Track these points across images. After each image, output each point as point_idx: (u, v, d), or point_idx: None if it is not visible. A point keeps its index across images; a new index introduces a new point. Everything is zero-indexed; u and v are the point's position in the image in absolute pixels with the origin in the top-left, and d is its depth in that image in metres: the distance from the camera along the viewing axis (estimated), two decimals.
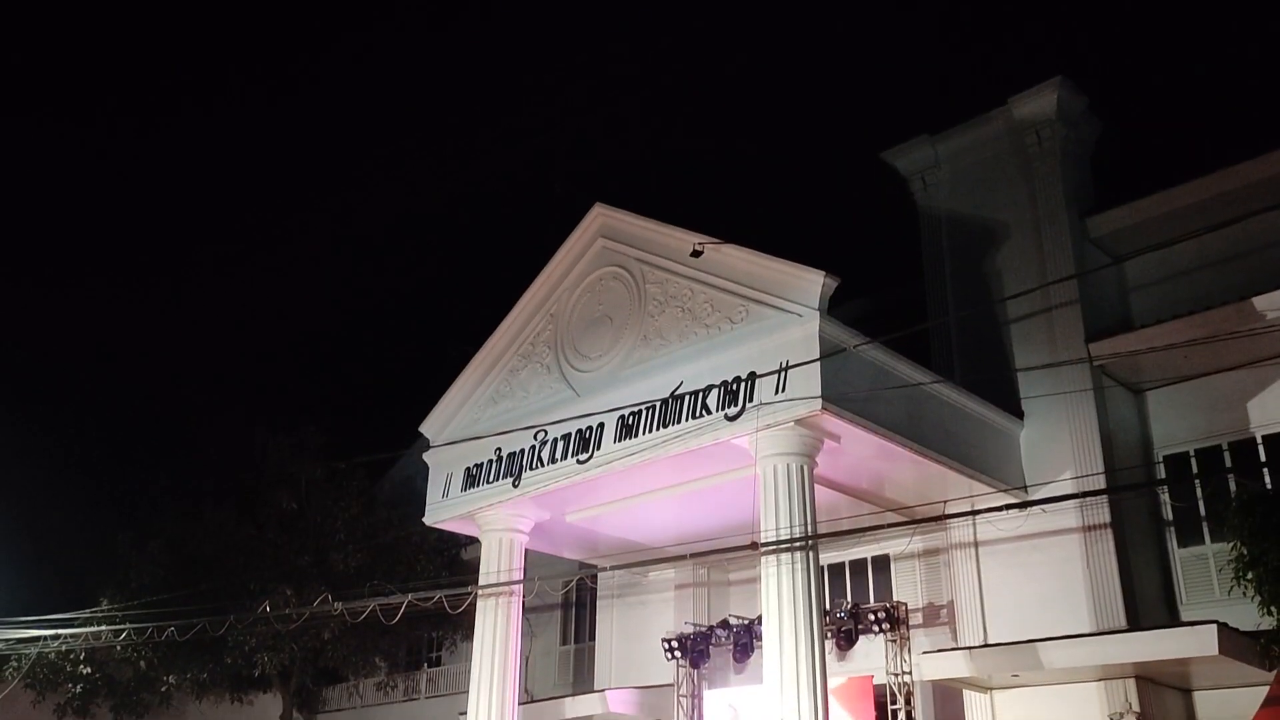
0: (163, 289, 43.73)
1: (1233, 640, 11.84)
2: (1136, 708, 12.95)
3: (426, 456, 17.04)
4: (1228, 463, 14.45)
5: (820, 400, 12.00)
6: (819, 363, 12.09)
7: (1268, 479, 13.66)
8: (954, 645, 14.46)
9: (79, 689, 21.50)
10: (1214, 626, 11.71)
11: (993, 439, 14.62)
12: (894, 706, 14.48)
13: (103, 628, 18.47)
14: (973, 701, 14.43)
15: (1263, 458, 14.11)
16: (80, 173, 43.40)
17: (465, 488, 16.06)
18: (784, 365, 12.35)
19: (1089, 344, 14.77)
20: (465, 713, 16.05)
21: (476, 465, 15.91)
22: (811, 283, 12.52)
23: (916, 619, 15.35)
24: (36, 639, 18.47)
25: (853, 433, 12.62)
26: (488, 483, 15.71)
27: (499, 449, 15.59)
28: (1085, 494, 12.57)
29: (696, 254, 13.53)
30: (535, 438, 15.00)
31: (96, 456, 25.76)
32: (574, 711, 18.21)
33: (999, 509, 13.02)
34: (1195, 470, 14.80)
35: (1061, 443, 14.64)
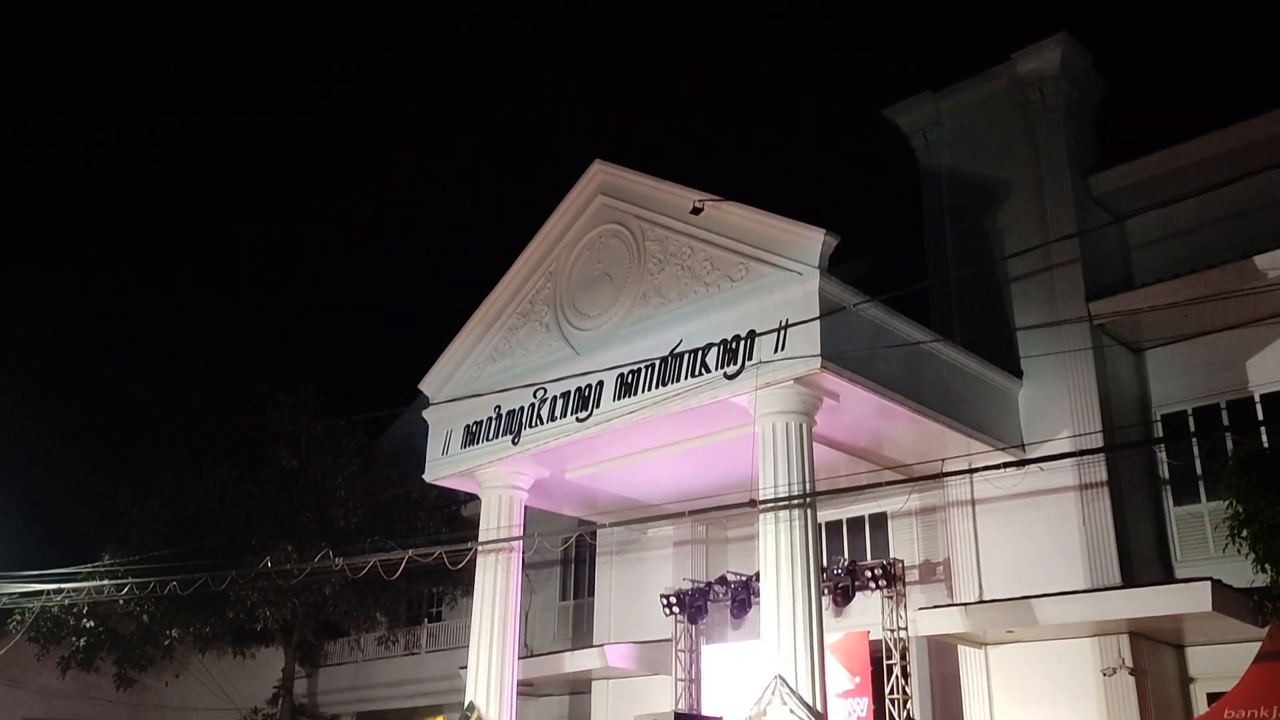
0: (165, 245, 43.61)
1: (1226, 597, 11.96)
2: (1130, 663, 13.10)
3: (426, 414, 17.08)
4: (1225, 421, 14.50)
5: (819, 359, 12.02)
6: (818, 321, 12.09)
7: (1265, 438, 13.72)
8: (950, 602, 14.58)
9: (82, 643, 21.70)
10: (1208, 584, 11.82)
11: (991, 398, 14.66)
12: (889, 662, 14.61)
13: (105, 582, 18.61)
14: (968, 657, 14.58)
15: (1260, 416, 14.15)
16: (84, 123, 43.13)
17: (465, 445, 16.12)
18: (783, 323, 12.35)
19: (1089, 303, 14.76)
20: (465, 667, 16.24)
21: (476, 423, 15.96)
22: (812, 241, 12.49)
23: (913, 576, 15.46)
24: (39, 593, 18.61)
25: (852, 391, 12.65)
26: (487, 440, 15.77)
27: (498, 406, 15.63)
28: (1083, 452, 12.62)
29: (696, 211, 13.49)
30: (535, 395, 15.03)
31: (97, 413, 25.81)
32: (573, 666, 18.42)
33: (997, 467, 13.09)
34: (1193, 429, 14.85)
35: (1060, 401, 14.68)
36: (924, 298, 16.18)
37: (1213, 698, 12.94)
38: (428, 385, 17.08)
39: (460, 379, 16.57)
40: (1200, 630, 13.03)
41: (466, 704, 15.56)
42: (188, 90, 44.35)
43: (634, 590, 18.75)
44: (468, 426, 16.09)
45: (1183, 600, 12.19)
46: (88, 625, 21.46)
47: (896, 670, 14.49)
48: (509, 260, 16.24)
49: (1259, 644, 11.55)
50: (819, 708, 11.50)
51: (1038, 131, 16.19)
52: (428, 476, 16.93)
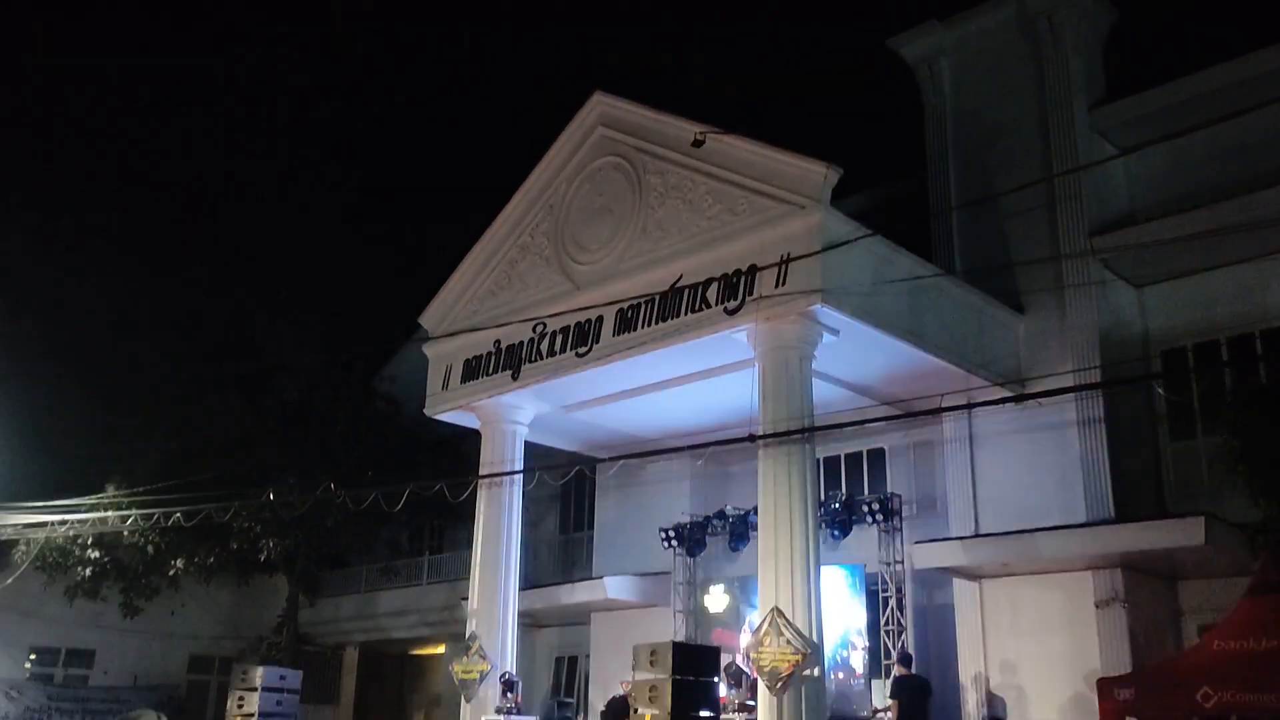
0: (164, 173, 43.24)
1: (1219, 531, 12.08)
2: (1123, 596, 13.27)
3: (426, 348, 17.09)
4: (1225, 357, 14.51)
5: (820, 294, 11.97)
6: (820, 256, 12.02)
7: (1264, 374, 13.74)
8: (946, 536, 14.72)
9: (88, 572, 21.95)
10: (1202, 518, 11.93)
11: (992, 333, 14.64)
12: (885, 595, 14.79)
13: (109, 513, 18.78)
14: (962, 590, 14.77)
15: (1260, 352, 14.16)
16: (82, 42, 42.50)
17: (465, 379, 16.15)
18: (784, 258, 12.28)
19: (1092, 237, 14.68)
20: (467, 598, 16.45)
21: (476, 357, 15.97)
22: (814, 174, 12.37)
23: (910, 510, 15.59)
24: (44, 524, 18.80)
25: (852, 326, 12.62)
26: (487, 375, 15.80)
27: (498, 341, 15.63)
28: (1081, 388, 12.63)
29: (698, 144, 13.35)
30: (534, 330, 15.02)
31: (98, 344, 25.79)
32: (573, 598, 18.67)
33: (995, 402, 13.13)
34: (1192, 365, 14.86)
35: (1060, 337, 14.66)
36: (926, 233, 16.08)
37: (1204, 630, 13.13)
38: (427, 319, 17.06)
39: (460, 313, 16.55)
40: (1193, 564, 13.18)
41: (468, 634, 15.81)
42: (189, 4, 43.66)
43: (633, 524, 18.92)
44: (467, 361, 16.11)
45: (1177, 534, 12.33)
46: (93, 555, 21.69)
47: (892, 603, 14.67)
48: (509, 194, 16.13)
49: (1250, 578, 11.67)
50: (815, 640, 11.66)
51: (1045, 63, 15.96)
52: (428, 410, 16.99)
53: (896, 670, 13.81)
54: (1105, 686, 11.84)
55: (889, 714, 13.57)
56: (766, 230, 12.67)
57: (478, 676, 15.19)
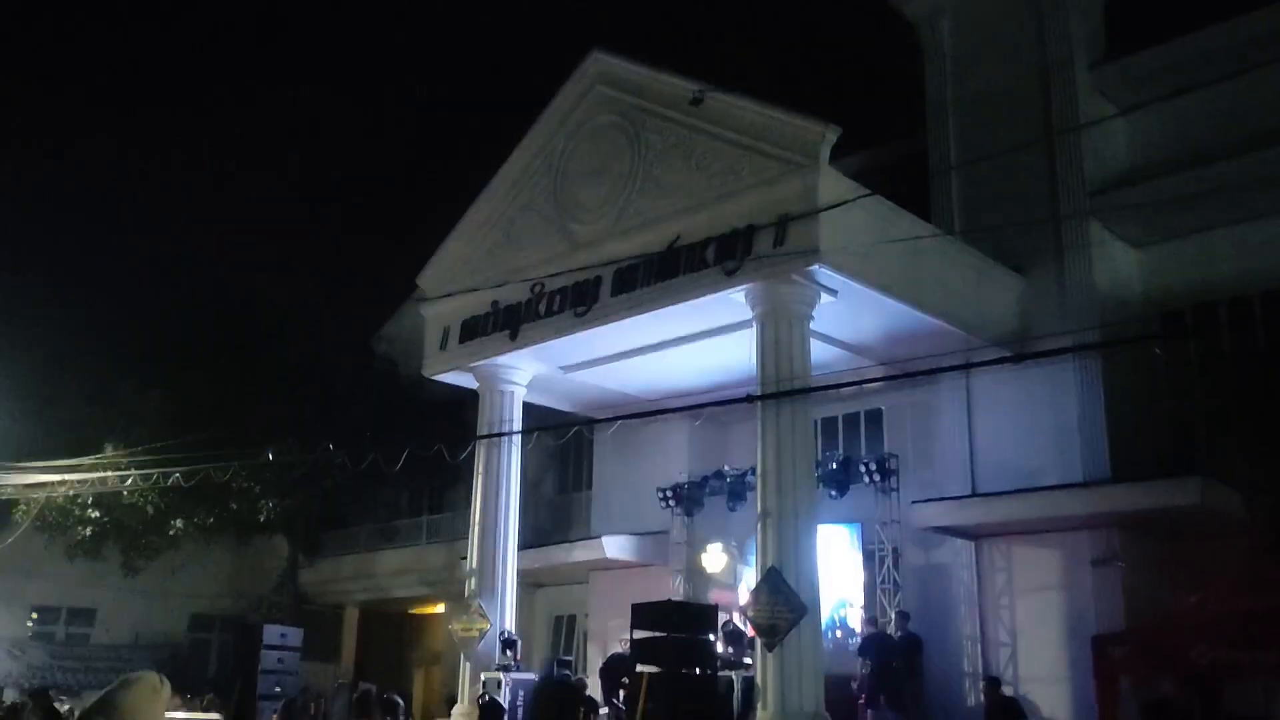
0: (162, 134, 42.95)
1: (1216, 492, 12.13)
2: (1119, 555, 13.35)
3: (424, 309, 17.06)
4: (1224, 319, 14.50)
5: (818, 254, 11.94)
6: (818, 216, 11.98)
7: (1262, 336, 13.73)
8: (943, 495, 14.79)
9: (89, 532, 22.03)
10: (1198, 479, 11.98)
11: (990, 294, 14.62)
12: (881, 554, 14.87)
13: (108, 473, 18.82)
14: (959, 549, 14.86)
15: (1259, 314, 14.14)
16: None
17: (463, 340, 16.14)
18: (783, 218, 12.23)
19: (1092, 197, 14.62)
20: (466, 558, 16.54)
21: (474, 318, 15.95)
22: (812, 134, 12.29)
23: (907, 470, 15.63)
24: (44, 484, 18.83)
25: (850, 287, 12.60)
26: (485, 335, 15.78)
27: (496, 302, 15.60)
28: (1078, 349, 12.64)
29: (696, 102, 13.25)
30: (533, 291, 14.98)
31: (95, 304, 25.73)
32: (571, 557, 18.77)
33: (993, 363, 13.12)
34: (1190, 327, 14.85)
35: (1059, 298, 14.65)
36: (925, 192, 16.00)
37: (1199, 589, 13.20)
38: (425, 280, 17.01)
39: (458, 274, 16.49)
40: (1189, 524, 13.23)
41: (467, 594, 15.91)
42: None
43: (632, 484, 18.98)
44: (465, 322, 16.08)
45: (1173, 494, 12.40)
46: (93, 515, 21.75)
47: (888, 562, 14.75)
48: (507, 153, 16.02)
49: (1246, 538, 11.73)
50: (812, 598, 11.74)
51: (1045, 21, 15.82)
52: (426, 371, 16.99)
53: (864, 629, 13.95)
54: (1100, 645, 11.92)
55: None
56: (765, 190, 12.60)
57: (477, 635, 15.30)
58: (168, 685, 3.34)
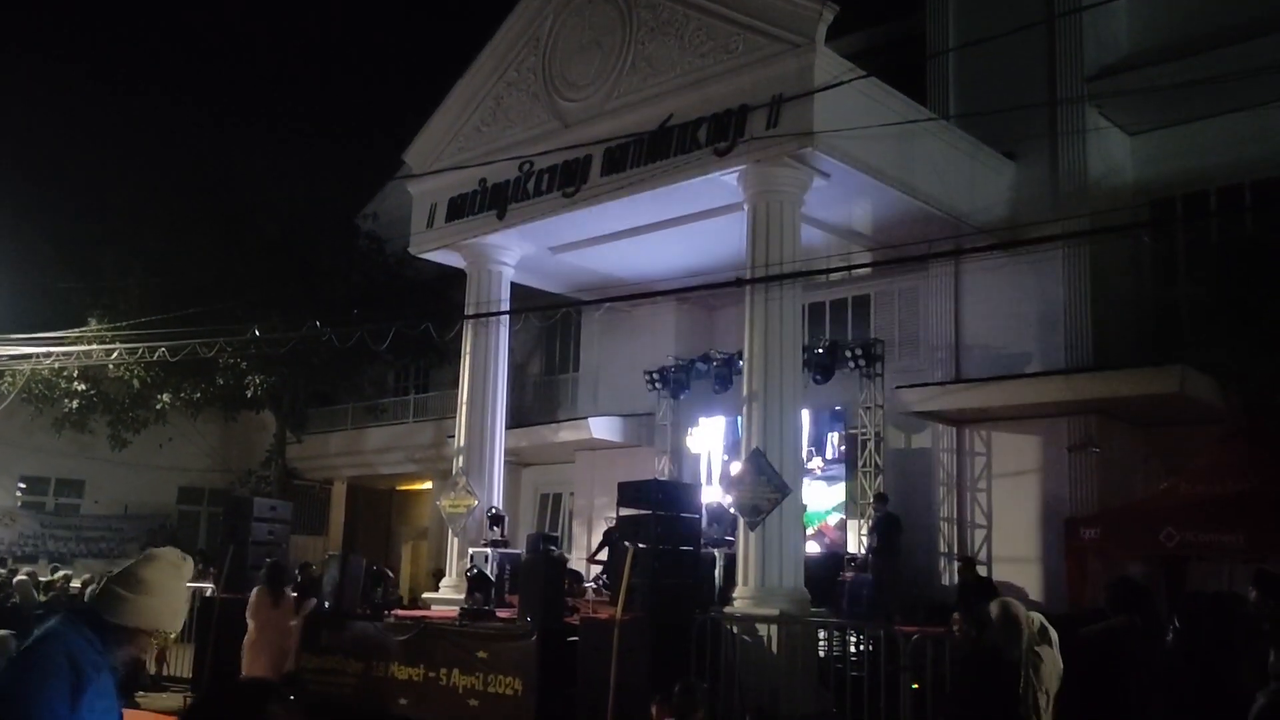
0: (143, 3, 41.62)
1: (1194, 380, 12.31)
2: (1096, 441, 13.60)
3: (410, 186, 16.87)
4: (1213, 208, 14.48)
5: (812, 136, 11.80)
6: (812, 97, 11.79)
7: (1251, 225, 13.75)
8: (927, 381, 14.96)
9: (75, 405, 22.11)
10: (1178, 367, 12.13)
11: (982, 179, 14.53)
12: (864, 438, 15.10)
13: (94, 347, 18.80)
14: (941, 434, 15.10)
15: (1249, 203, 14.12)
16: None
17: (450, 218, 15.99)
18: (777, 98, 12.04)
19: (1089, 83, 14.43)
20: (454, 436, 16.71)
21: (461, 196, 15.78)
22: (808, 12, 12.01)
23: (892, 355, 15.76)
24: (29, 356, 18.81)
25: (843, 170, 12.48)
26: (472, 214, 15.63)
27: (484, 180, 15.41)
28: (1067, 236, 12.59)
29: None
30: (521, 169, 14.80)
31: (75, 177, 25.27)
32: (558, 437, 18.99)
33: (982, 249, 13.13)
34: (1180, 215, 14.84)
35: (1050, 184, 14.58)
36: (921, 75, 15.75)
37: (1172, 475, 13.50)
38: (412, 155, 16.77)
39: (446, 150, 16.25)
40: (1167, 411, 13.45)
41: (454, 471, 16.13)
42: None
43: (619, 366, 19.11)
44: (453, 200, 15.92)
45: (1152, 382, 12.57)
46: (79, 389, 21.81)
47: (870, 446, 14.99)
48: (497, 25, 15.63)
49: (1219, 425, 11.96)
50: (794, 480, 11.96)
51: None
52: (413, 249, 16.88)
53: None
54: (1072, 527, 12.28)
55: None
56: (759, 69, 12.37)
57: (465, 511, 15.58)
58: (189, 562, 3.39)
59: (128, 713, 3.53)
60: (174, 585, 3.26)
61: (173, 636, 3.58)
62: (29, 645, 3.13)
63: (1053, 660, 5.74)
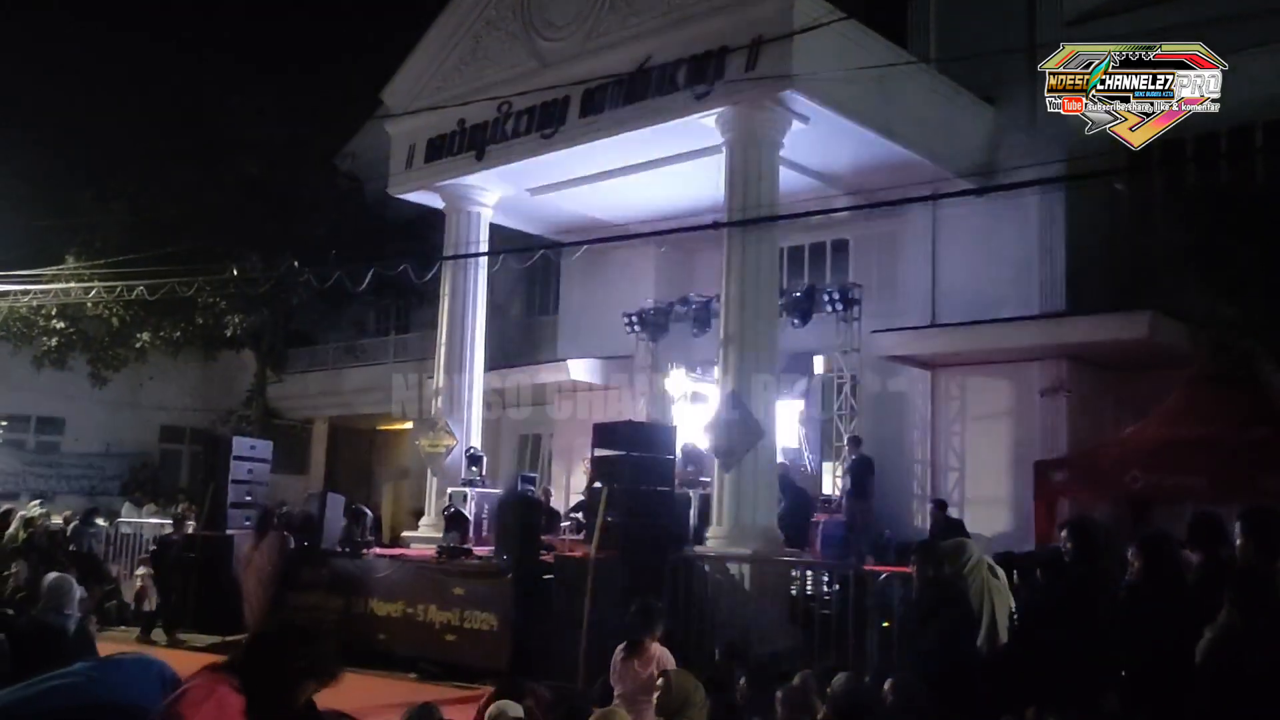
0: None
1: (1164, 325, 12.47)
2: (1067, 385, 13.79)
3: (389, 125, 16.76)
4: (1189, 154, 14.53)
5: (791, 78, 11.77)
6: (792, 39, 11.75)
7: (1225, 172, 13.83)
8: (903, 326, 15.08)
9: (54, 342, 22.05)
10: (1148, 313, 12.28)
11: (961, 124, 14.54)
12: (840, 381, 15.24)
13: (71, 284, 18.72)
14: (915, 378, 15.26)
15: (1223, 150, 14.18)
16: None
17: (429, 159, 15.93)
18: (756, 40, 11.99)
19: (1067, 27, 14.39)
20: (433, 377, 16.79)
21: (440, 136, 15.70)
22: None
23: (869, 300, 15.84)
24: (6, 294, 18.73)
25: (822, 114, 12.48)
26: (451, 155, 15.57)
27: (462, 120, 15.32)
28: (1042, 181, 12.65)
29: None
30: (499, 110, 14.72)
31: (50, 113, 24.92)
32: (537, 379, 19.08)
33: (959, 194, 13.17)
34: (1156, 162, 14.88)
35: (1028, 129, 14.58)
36: (902, 19, 15.70)
37: (1137, 418, 13.71)
38: (390, 95, 16.64)
39: (425, 89, 16.12)
40: (1137, 356, 13.62)
41: (433, 412, 16.22)
42: None
43: (597, 308, 19.14)
44: (431, 140, 15.83)
45: (1123, 327, 12.74)
46: (58, 326, 21.73)
47: (846, 389, 15.13)
48: None
49: (1187, 370, 12.13)
50: (769, 422, 12.10)
51: None
52: (391, 190, 16.82)
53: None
54: (1041, 469, 12.48)
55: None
56: (738, 10, 12.31)
57: (444, 451, 15.70)
58: None
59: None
60: None
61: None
62: None
63: (1003, 594, 5.95)
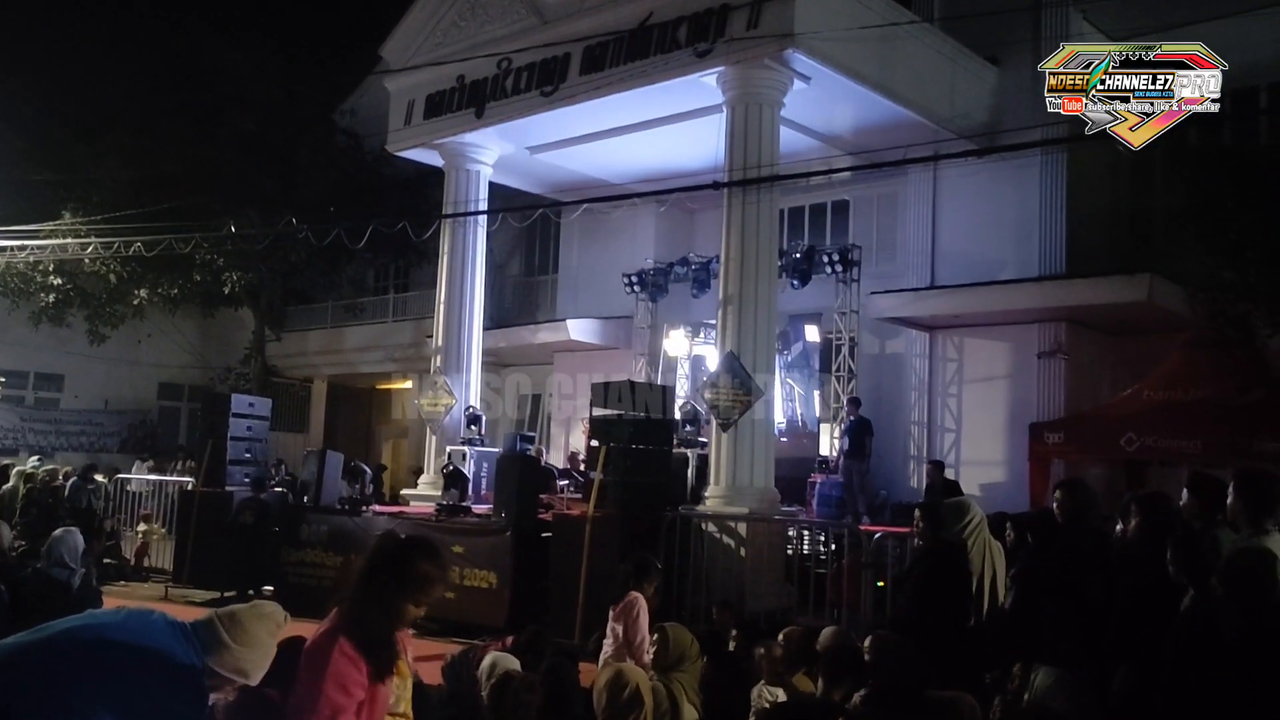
0: None
1: (1162, 288, 12.47)
2: (1065, 348, 13.82)
3: (387, 82, 16.63)
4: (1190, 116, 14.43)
5: (792, 37, 11.68)
6: None
7: (1228, 135, 13.76)
8: (902, 287, 15.07)
9: (52, 299, 22.01)
10: (1147, 275, 12.27)
11: (964, 85, 14.44)
12: (839, 342, 15.24)
13: (69, 240, 18.66)
14: (913, 340, 15.28)
15: (1226, 112, 14.07)
16: None
17: (428, 116, 15.83)
18: None
19: None
20: (432, 335, 16.80)
21: (439, 93, 15.59)
22: None
23: (869, 261, 15.82)
24: (3, 249, 18.66)
25: (824, 73, 12.39)
26: (450, 112, 15.48)
27: (462, 77, 15.22)
28: (1044, 143, 12.59)
29: None
30: (499, 66, 14.61)
31: (46, 68, 24.69)
32: (536, 338, 19.10)
33: (960, 155, 13.12)
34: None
35: (1031, 91, 14.43)
36: None
37: (1134, 381, 13.75)
38: (390, 50, 16.49)
39: (424, 45, 15.98)
40: (1135, 319, 13.64)
41: (432, 370, 16.25)
42: None
43: (597, 268, 19.13)
44: (430, 97, 15.73)
45: (1122, 290, 12.73)
46: (55, 282, 21.67)
47: (845, 350, 15.14)
48: None
49: (1184, 333, 12.15)
50: (767, 382, 12.13)
51: None
52: (390, 147, 16.73)
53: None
54: (1037, 431, 12.55)
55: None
56: None
57: (443, 410, 15.75)
58: (288, 620, 3.37)
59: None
60: (270, 643, 3.28)
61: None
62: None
63: (1002, 555, 6.02)
